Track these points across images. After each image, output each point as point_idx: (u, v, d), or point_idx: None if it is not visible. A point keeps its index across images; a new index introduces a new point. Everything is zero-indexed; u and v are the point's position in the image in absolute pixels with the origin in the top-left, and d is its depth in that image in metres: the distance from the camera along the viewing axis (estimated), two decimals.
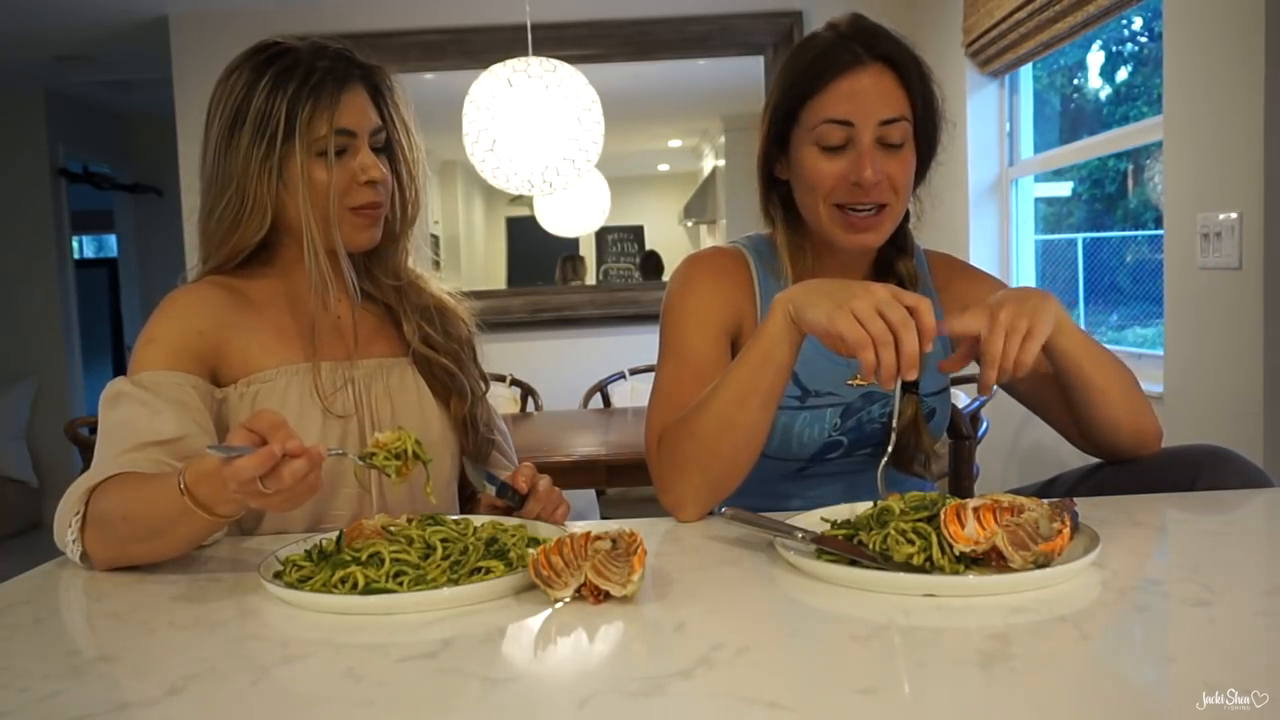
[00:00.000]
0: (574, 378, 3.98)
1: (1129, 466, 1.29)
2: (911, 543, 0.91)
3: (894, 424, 1.13)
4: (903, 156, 1.28)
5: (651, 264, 4.70)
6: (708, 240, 4.70)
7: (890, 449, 1.15)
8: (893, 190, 1.27)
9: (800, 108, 1.29)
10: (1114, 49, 3.26)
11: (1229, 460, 1.23)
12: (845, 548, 0.93)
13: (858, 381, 1.31)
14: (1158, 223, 2.65)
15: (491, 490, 1.13)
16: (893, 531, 0.93)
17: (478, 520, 1.05)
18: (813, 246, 1.36)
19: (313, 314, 1.28)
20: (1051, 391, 1.31)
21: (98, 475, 1.08)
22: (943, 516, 0.90)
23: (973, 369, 1.48)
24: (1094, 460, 1.34)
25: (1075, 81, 3.55)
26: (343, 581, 0.90)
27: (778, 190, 1.38)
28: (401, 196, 1.34)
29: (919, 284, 1.37)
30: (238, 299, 1.27)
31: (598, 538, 0.91)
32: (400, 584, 0.90)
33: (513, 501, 1.13)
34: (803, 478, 1.35)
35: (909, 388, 1.30)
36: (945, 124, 1.33)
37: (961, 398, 2.87)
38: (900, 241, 1.38)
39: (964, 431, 2.07)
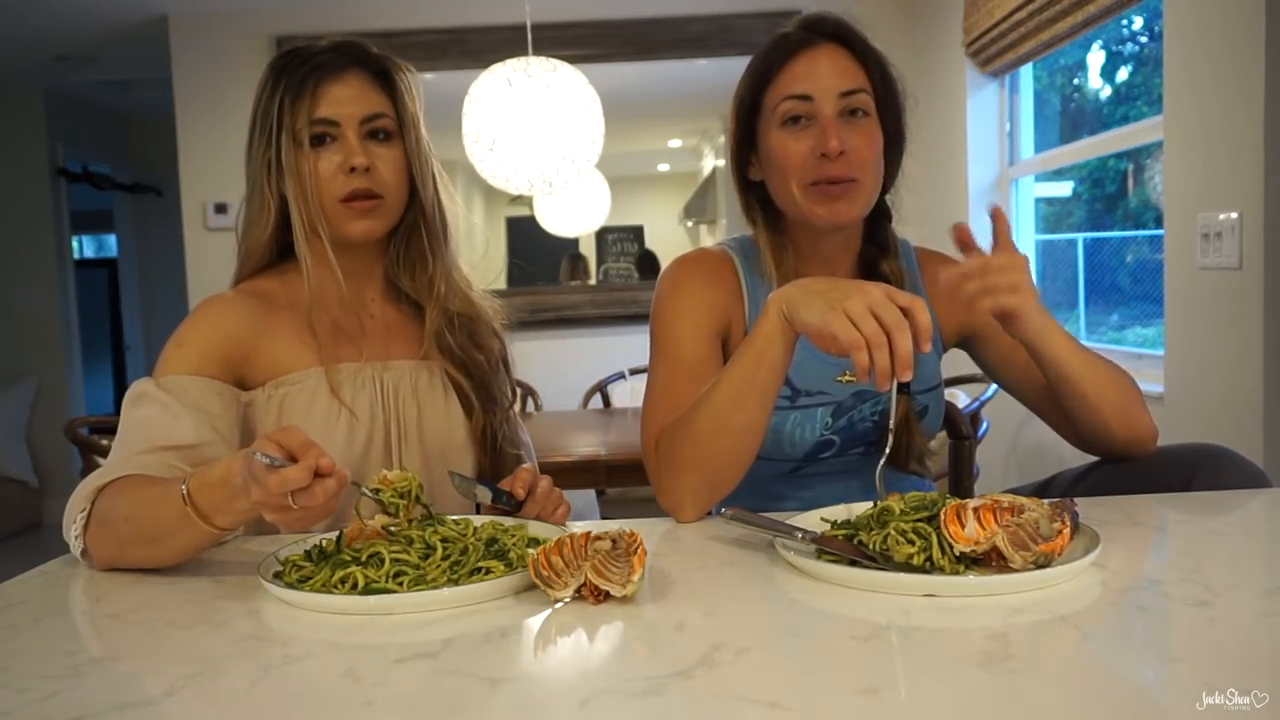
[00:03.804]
0: (574, 378, 3.98)
1: (1125, 466, 1.29)
2: (911, 543, 0.91)
3: (890, 424, 1.13)
4: (867, 130, 1.29)
5: (647, 264, 4.70)
6: (708, 240, 4.69)
7: (888, 449, 1.15)
8: (861, 163, 1.27)
9: (762, 95, 1.32)
10: (1114, 49, 3.26)
11: (1225, 458, 1.23)
12: (845, 548, 0.93)
13: (848, 378, 1.31)
14: (1158, 223, 2.65)
15: (487, 496, 1.13)
16: (893, 531, 0.93)
17: (478, 520, 1.05)
18: (794, 245, 1.36)
19: (335, 313, 1.29)
20: (1048, 393, 1.31)
21: (109, 474, 1.08)
22: (943, 517, 0.90)
23: (972, 370, 1.48)
24: (1091, 459, 1.34)
25: (1075, 81, 3.55)
26: (343, 582, 0.90)
27: (754, 193, 1.38)
28: (416, 188, 1.32)
29: (906, 282, 1.37)
30: (268, 305, 1.27)
31: (598, 538, 0.91)
32: (400, 584, 0.90)
33: (509, 506, 1.13)
34: (796, 478, 1.35)
35: (901, 387, 1.30)
36: (909, 106, 1.35)
37: (961, 397, 2.87)
38: (882, 240, 1.39)
39: (964, 431, 2.07)
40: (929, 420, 1.36)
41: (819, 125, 1.27)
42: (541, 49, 2.90)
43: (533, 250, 4.60)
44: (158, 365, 1.20)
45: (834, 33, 1.30)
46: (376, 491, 1.02)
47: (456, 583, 0.91)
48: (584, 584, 0.86)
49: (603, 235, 4.65)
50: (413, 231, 1.34)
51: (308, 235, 1.25)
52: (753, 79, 1.33)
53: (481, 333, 1.38)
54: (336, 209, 1.25)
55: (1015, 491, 1.35)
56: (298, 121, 1.23)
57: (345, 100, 1.25)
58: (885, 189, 1.36)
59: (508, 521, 1.07)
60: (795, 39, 1.30)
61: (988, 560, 0.89)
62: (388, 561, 0.91)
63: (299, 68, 1.24)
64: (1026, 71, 3.52)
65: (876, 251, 1.38)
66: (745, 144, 1.36)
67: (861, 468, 1.35)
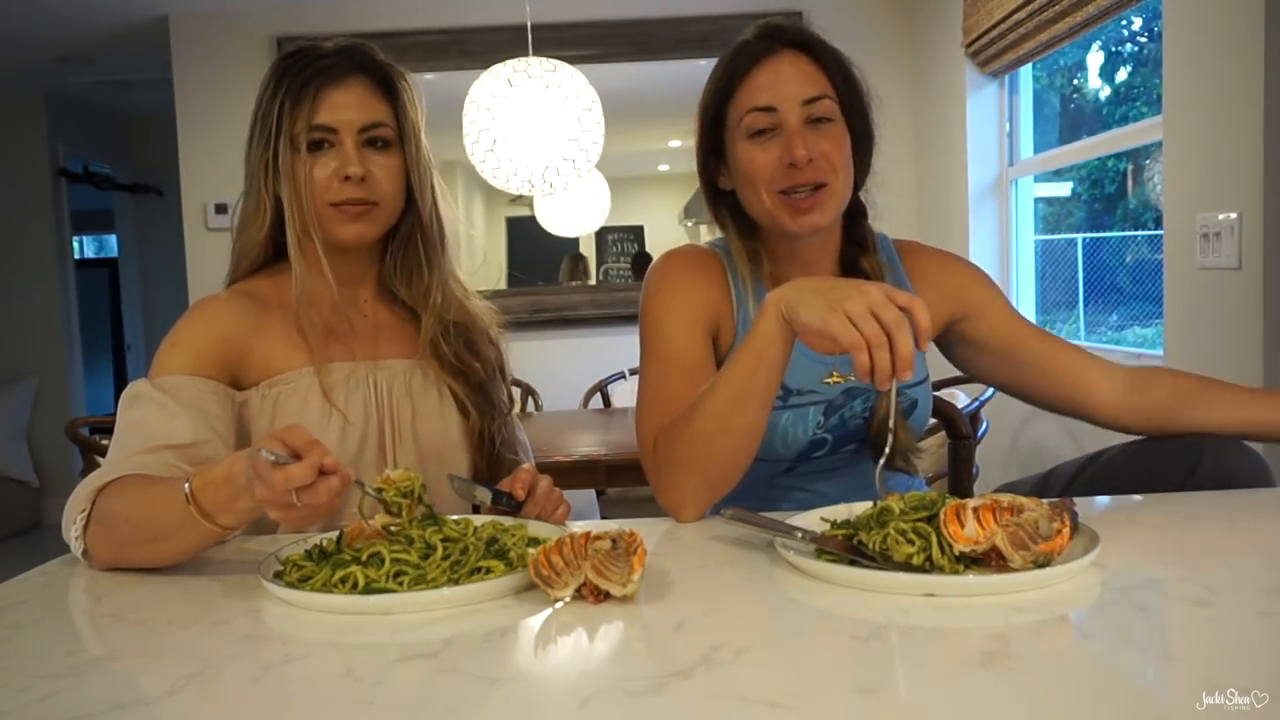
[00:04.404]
0: (574, 378, 3.98)
1: (1131, 453, 1.29)
2: (911, 543, 0.91)
3: (890, 425, 1.12)
4: (834, 134, 1.29)
5: (641, 265, 4.70)
6: (708, 240, 4.68)
7: (888, 449, 1.15)
8: (830, 168, 1.28)
9: (726, 108, 1.32)
10: (1114, 49, 3.26)
11: (1229, 439, 1.24)
12: (845, 548, 0.93)
13: (835, 379, 1.32)
14: (1157, 223, 2.65)
15: (487, 497, 1.13)
16: (892, 531, 0.93)
17: (478, 520, 1.05)
18: (770, 250, 1.37)
19: (327, 315, 1.29)
20: (1028, 375, 1.37)
21: (108, 474, 1.08)
22: (942, 516, 0.90)
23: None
24: (1089, 450, 1.35)
25: (1075, 81, 3.55)
26: (343, 581, 0.90)
27: (724, 202, 1.38)
28: (414, 197, 1.32)
29: (887, 276, 1.37)
30: (262, 306, 1.28)
31: (598, 538, 0.91)
32: (400, 584, 0.90)
33: (509, 507, 1.13)
34: (790, 477, 1.34)
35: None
36: (875, 106, 1.35)
37: (961, 397, 2.87)
38: (860, 237, 1.39)
39: (964, 431, 2.07)
40: (918, 414, 1.36)
41: (785, 135, 1.27)
42: (541, 49, 2.90)
43: (533, 250, 4.60)
44: (153, 366, 1.21)
45: (793, 40, 1.31)
46: (380, 491, 1.02)
47: (456, 582, 0.91)
48: (584, 584, 0.86)
49: (603, 235, 4.65)
50: (409, 240, 1.33)
51: (300, 238, 1.25)
52: (715, 91, 1.33)
53: (478, 341, 1.38)
54: (328, 212, 1.25)
55: (1015, 485, 1.36)
56: (296, 126, 1.23)
57: (345, 107, 1.25)
58: (858, 187, 1.37)
59: (508, 521, 1.07)
60: (755, 49, 1.31)
61: (987, 560, 0.89)
62: (388, 561, 0.91)
63: (301, 71, 1.24)
64: (1026, 72, 3.53)
65: (856, 250, 1.38)
66: (713, 154, 1.36)
67: (853, 465, 1.35)
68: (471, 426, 1.34)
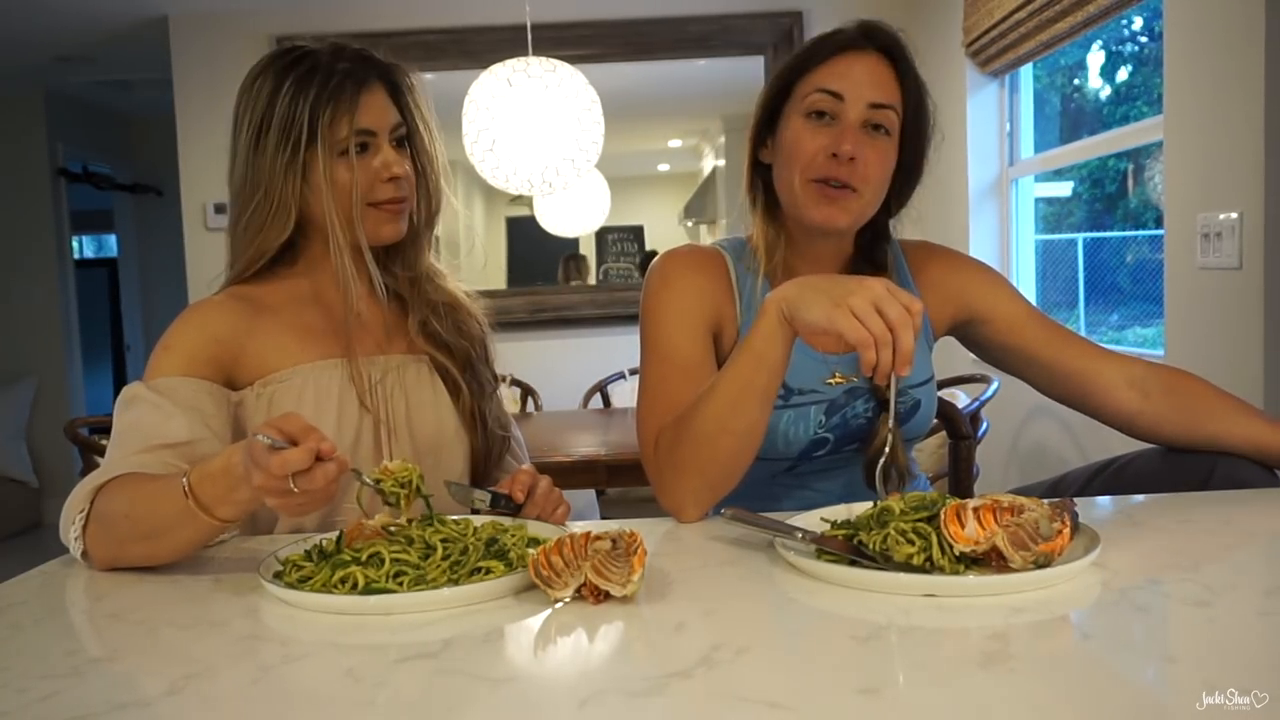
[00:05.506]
0: (574, 378, 3.98)
1: (1143, 461, 1.29)
2: (911, 543, 0.91)
3: (892, 423, 1.12)
4: (883, 147, 1.29)
5: (647, 265, 4.70)
6: (708, 240, 4.69)
7: (887, 449, 1.15)
8: (864, 177, 1.27)
9: (796, 80, 1.31)
10: (1114, 49, 3.26)
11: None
12: (845, 548, 0.93)
13: (837, 380, 1.31)
14: (1158, 223, 2.65)
15: (485, 502, 1.13)
16: (893, 531, 0.93)
17: (478, 520, 1.05)
18: (788, 238, 1.36)
19: (343, 310, 1.30)
20: (1049, 370, 1.36)
21: (106, 474, 1.08)
22: (943, 516, 0.90)
23: (971, 370, 1.48)
24: (1099, 460, 1.35)
25: (1075, 81, 3.55)
26: (343, 581, 0.90)
27: (760, 174, 1.38)
28: (426, 190, 1.35)
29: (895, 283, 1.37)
30: (256, 307, 1.28)
31: (598, 538, 0.91)
32: (400, 584, 0.90)
33: (508, 510, 1.12)
34: (791, 476, 1.34)
35: (884, 405, 1.30)
36: (934, 140, 1.35)
37: (961, 397, 2.87)
38: (878, 259, 1.38)
39: (964, 431, 2.07)
40: (922, 414, 1.36)
41: (839, 126, 1.27)
42: (541, 49, 2.90)
43: (533, 250, 4.60)
44: (147, 369, 1.21)
45: (884, 45, 1.30)
46: (378, 482, 1.03)
47: (456, 583, 0.91)
48: (584, 584, 0.86)
49: (603, 235, 4.65)
50: (410, 231, 1.35)
51: (343, 243, 1.26)
52: (793, 62, 1.33)
53: (464, 319, 1.41)
54: (367, 213, 1.27)
55: (1023, 490, 1.36)
56: (340, 131, 1.23)
57: (379, 109, 1.26)
58: (890, 213, 1.37)
59: (508, 521, 1.07)
60: (846, 37, 1.30)
61: (988, 560, 0.89)
62: (388, 561, 0.91)
63: (329, 77, 1.23)
64: (1026, 71, 3.52)
65: (871, 270, 1.36)
66: (765, 125, 1.36)
67: (854, 465, 1.34)
68: (464, 406, 1.35)
